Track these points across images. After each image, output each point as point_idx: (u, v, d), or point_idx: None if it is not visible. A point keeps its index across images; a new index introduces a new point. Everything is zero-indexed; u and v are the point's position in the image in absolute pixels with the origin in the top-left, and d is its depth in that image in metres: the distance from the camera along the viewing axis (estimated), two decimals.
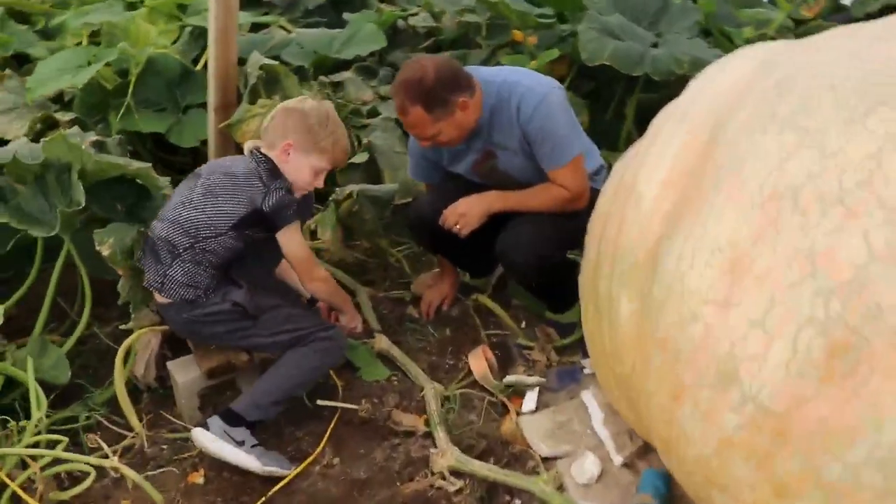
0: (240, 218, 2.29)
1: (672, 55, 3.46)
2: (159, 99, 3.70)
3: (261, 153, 2.37)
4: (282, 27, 4.67)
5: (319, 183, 2.45)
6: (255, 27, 4.63)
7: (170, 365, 2.48)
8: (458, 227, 2.58)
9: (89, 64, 3.51)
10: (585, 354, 2.57)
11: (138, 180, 2.66)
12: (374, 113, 3.60)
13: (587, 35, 3.53)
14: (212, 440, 2.21)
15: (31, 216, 2.48)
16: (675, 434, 1.60)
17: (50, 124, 3.36)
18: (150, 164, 2.55)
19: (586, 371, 2.66)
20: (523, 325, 2.96)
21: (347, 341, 2.56)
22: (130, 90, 3.51)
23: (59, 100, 3.79)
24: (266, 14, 4.80)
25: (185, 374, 2.43)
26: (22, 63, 4.09)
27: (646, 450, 2.22)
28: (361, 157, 3.34)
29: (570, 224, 2.55)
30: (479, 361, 2.71)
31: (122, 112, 3.48)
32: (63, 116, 3.35)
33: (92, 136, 2.88)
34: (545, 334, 2.85)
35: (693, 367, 1.51)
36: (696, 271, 1.53)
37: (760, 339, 1.40)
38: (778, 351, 1.37)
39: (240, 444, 2.22)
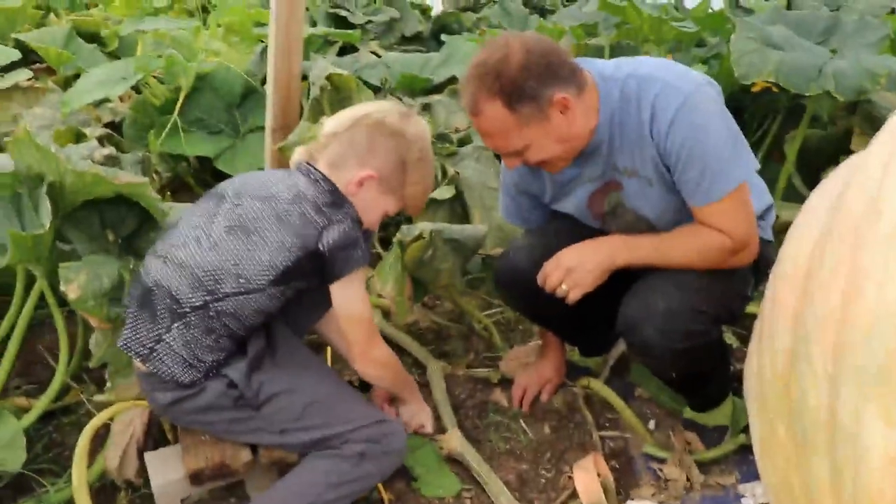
0: (285, 268, 1.58)
1: (862, 66, 2.58)
2: (216, 120, 3.19)
3: (318, 172, 1.67)
4: (373, 52, 4.13)
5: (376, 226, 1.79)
6: (343, 51, 4.13)
7: (147, 458, 1.76)
8: (564, 288, 1.78)
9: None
10: (745, 477, 1.91)
11: (142, 203, 2.01)
12: (466, 141, 2.90)
13: (743, 46, 2.72)
14: None
15: None
16: None
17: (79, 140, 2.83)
18: (146, 179, 1.89)
19: (747, 502, 1.86)
20: (651, 425, 2.13)
21: (406, 442, 1.74)
22: (178, 106, 3.00)
23: (111, 125, 3.31)
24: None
25: (165, 472, 1.70)
26: None
27: None
28: (446, 192, 2.62)
29: (727, 286, 1.79)
30: (588, 477, 1.89)
31: (165, 131, 2.93)
32: (93, 132, 2.80)
33: (105, 151, 2.30)
34: (684, 441, 2.03)
35: None
36: None
37: None
38: None
39: None
